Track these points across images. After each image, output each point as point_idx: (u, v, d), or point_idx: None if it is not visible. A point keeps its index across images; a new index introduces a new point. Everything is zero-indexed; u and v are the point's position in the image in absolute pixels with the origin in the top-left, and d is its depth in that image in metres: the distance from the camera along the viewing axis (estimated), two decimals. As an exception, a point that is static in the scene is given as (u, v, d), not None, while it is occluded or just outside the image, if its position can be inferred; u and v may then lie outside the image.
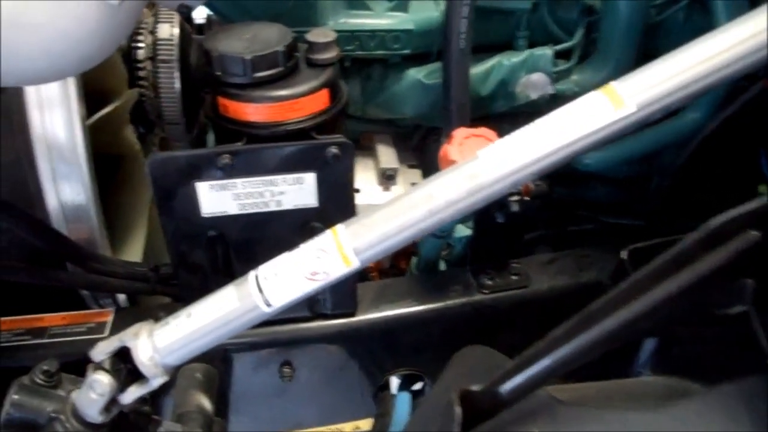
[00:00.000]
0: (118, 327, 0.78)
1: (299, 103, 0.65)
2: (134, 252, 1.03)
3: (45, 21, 0.48)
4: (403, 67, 0.90)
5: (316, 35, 0.67)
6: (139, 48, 1.08)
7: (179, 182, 0.64)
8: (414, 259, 0.92)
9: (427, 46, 0.88)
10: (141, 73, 1.08)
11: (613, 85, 0.49)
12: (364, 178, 0.96)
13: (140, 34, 1.08)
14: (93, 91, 1.01)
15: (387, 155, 0.95)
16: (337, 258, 0.51)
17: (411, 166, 0.98)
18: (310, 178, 0.66)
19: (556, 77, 0.90)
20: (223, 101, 0.66)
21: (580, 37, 0.91)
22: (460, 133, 0.72)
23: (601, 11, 0.89)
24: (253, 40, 0.66)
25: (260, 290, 0.52)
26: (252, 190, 0.66)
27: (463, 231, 0.83)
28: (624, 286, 0.45)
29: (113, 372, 0.55)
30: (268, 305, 0.53)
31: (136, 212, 1.07)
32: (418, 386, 0.83)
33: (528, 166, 0.49)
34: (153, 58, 1.08)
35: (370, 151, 0.99)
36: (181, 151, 0.63)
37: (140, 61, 1.08)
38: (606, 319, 0.44)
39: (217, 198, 0.66)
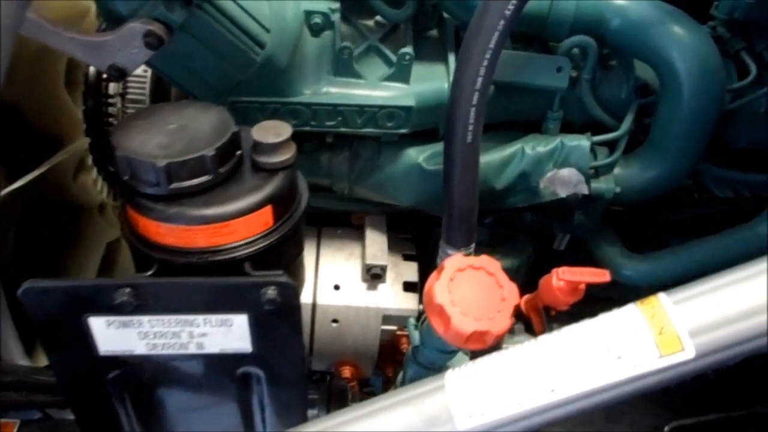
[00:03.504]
0: (18, 447, 0.64)
1: (230, 226, 0.48)
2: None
3: None
4: (400, 145, 0.71)
5: (263, 132, 0.49)
6: (110, 81, 0.95)
7: (65, 317, 0.48)
8: (399, 376, 0.74)
9: (431, 122, 0.70)
10: (110, 110, 0.95)
11: (662, 303, 0.31)
12: (349, 270, 0.78)
13: (113, 66, 0.94)
14: (44, 135, 0.87)
15: (376, 246, 0.77)
16: None
17: (407, 257, 0.80)
18: (240, 321, 0.49)
19: (593, 173, 0.71)
20: (132, 213, 0.49)
21: (630, 124, 0.71)
22: (451, 264, 0.54)
23: (660, 93, 0.69)
24: (177, 133, 0.49)
25: None
26: (164, 329, 0.50)
27: (464, 361, 0.65)
28: None
29: None
30: None
31: (86, 274, 0.93)
32: None
33: (515, 421, 0.32)
34: (123, 95, 0.95)
35: (359, 233, 0.82)
36: (62, 281, 0.46)
37: (111, 96, 0.95)
38: None
39: (119, 336, 0.50)
